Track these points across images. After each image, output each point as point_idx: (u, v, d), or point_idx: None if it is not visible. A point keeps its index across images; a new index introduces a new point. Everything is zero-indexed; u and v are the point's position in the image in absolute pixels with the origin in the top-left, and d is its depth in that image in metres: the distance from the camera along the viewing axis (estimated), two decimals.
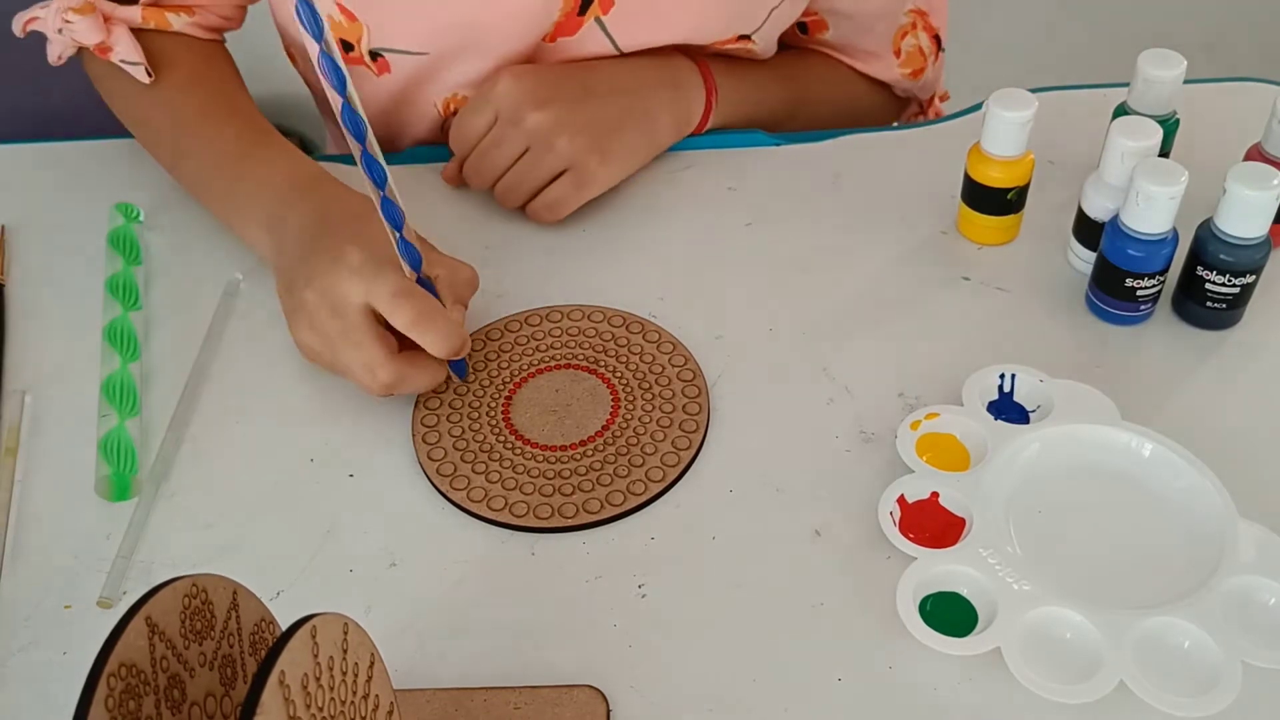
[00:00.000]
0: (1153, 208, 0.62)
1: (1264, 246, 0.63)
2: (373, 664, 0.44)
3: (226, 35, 0.82)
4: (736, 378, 0.66)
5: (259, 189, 0.69)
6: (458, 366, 0.65)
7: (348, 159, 0.80)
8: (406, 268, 0.61)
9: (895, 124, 0.92)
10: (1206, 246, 0.64)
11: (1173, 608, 0.52)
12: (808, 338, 0.68)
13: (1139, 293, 0.65)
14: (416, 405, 0.65)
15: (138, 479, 0.62)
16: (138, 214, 0.77)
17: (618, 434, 0.63)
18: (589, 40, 0.75)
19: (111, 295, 0.70)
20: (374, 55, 0.75)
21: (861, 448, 0.62)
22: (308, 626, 0.39)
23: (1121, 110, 0.71)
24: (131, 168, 0.81)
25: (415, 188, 0.78)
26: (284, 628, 0.38)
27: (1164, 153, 0.72)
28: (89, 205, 0.78)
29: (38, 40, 0.77)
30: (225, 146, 0.72)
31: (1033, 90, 0.69)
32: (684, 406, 0.64)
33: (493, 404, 0.65)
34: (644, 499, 0.60)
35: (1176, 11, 2.04)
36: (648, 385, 0.65)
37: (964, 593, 0.54)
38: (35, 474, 0.63)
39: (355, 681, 0.42)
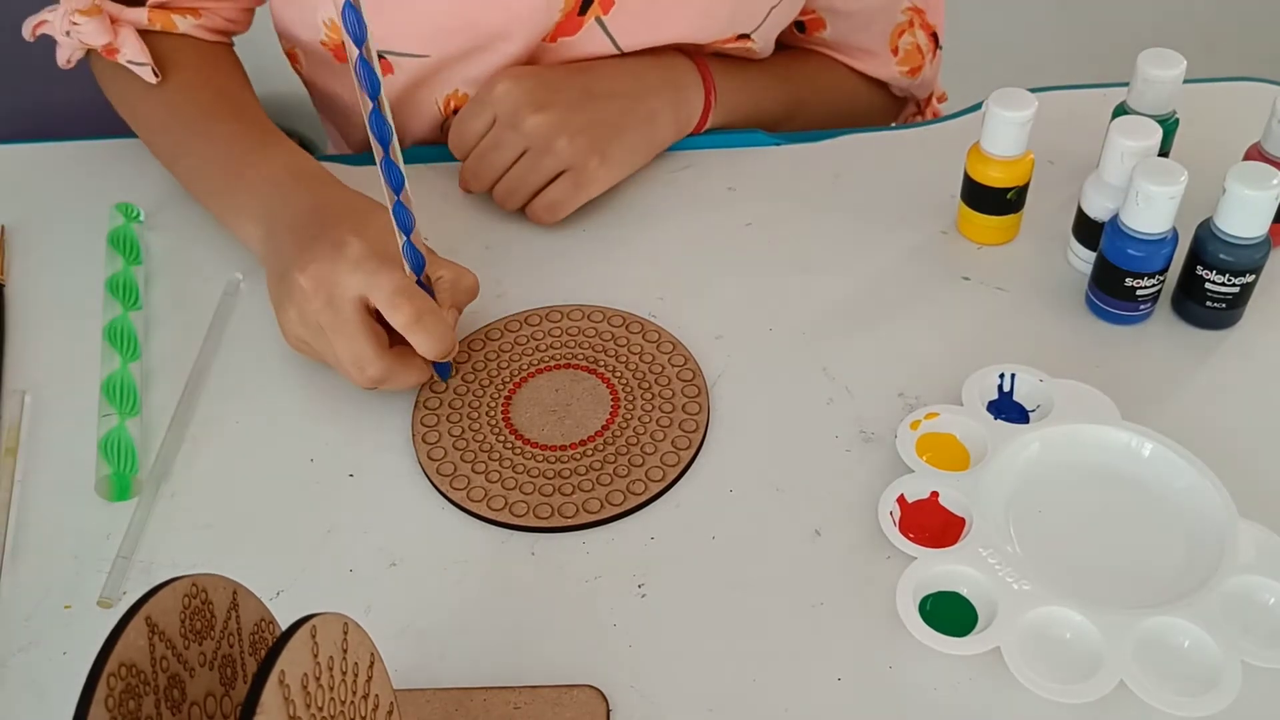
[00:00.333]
0: (1152, 207, 0.62)
1: (1264, 246, 0.63)
2: (373, 664, 0.44)
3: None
4: (736, 378, 0.66)
5: (257, 184, 0.69)
6: (441, 368, 0.65)
7: (348, 159, 0.80)
8: (408, 269, 0.61)
9: (894, 124, 0.92)
10: (1206, 246, 0.64)
11: (1173, 607, 0.52)
12: (807, 338, 0.68)
13: (1139, 292, 0.65)
14: (416, 405, 0.65)
15: (138, 479, 0.62)
16: (138, 214, 0.77)
17: (618, 434, 0.63)
18: (589, 40, 0.75)
19: (112, 295, 0.70)
20: (378, 57, 0.75)
21: (861, 447, 0.62)
22: (308, 626, 0.39)
23: (1121, 110, 0.71)
24: (131, 168, 0.81)
25: (415, 187, 0.77)
26: (284, 627, 0.38)
27: (1164, 152, 0.72)
28: (89, 205, 0.78)
29: (38, 40, 0.77)
30: (226, 145, 0.72)
31: (1033, 90, 0.69)
32: (684, 406, 0.64)
33: (493, 404, 0.65)
34: (644, 499, 0.60)
35: (1176, 11, 2.03)
36: (647, 385, 0.65)
37: (964, 592, 0.54)
38: (35, 474, 0.63)
39: (355, 681, 0.42)
